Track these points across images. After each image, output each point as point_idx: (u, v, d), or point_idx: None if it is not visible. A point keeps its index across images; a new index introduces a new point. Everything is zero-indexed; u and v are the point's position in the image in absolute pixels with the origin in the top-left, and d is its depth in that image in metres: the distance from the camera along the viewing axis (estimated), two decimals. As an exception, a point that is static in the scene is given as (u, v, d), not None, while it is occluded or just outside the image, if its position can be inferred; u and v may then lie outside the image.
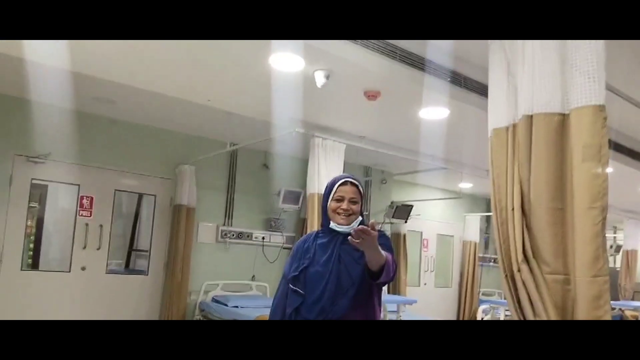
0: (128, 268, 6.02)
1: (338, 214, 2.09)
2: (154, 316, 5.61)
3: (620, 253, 9.75)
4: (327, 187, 2.16)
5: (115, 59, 3.61)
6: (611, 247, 10.21)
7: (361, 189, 2.15)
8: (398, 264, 7.33)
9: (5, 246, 4.80)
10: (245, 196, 6.26)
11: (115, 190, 5.52)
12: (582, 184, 1.85)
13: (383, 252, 1.91)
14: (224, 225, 6.08)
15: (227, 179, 6.18)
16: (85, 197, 5.29)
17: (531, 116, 2.08)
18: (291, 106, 4.38)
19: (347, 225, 2.08)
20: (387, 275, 1.94)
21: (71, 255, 5.20)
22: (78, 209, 5.25)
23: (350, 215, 2.08)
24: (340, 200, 2.09)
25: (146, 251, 5.80)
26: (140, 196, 5.95)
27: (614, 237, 10.08)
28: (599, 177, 1.81)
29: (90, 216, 5.30)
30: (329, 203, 2.12)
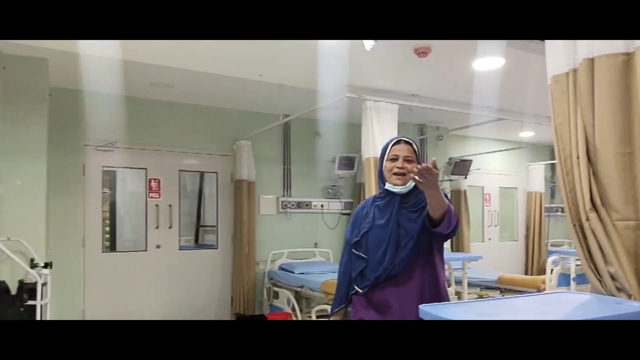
0: (197, 243, 6.33)
1: (394, 174, 2.11)
2: (226, 287, 5.91)
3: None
4: (382, 150, 2.19)
5: (167, 45, 3.72)
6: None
7: (415, 148, 2.15)
8: (460, 221, 7.25)
9: (87, 231, 5.17)
10: (302, 166, 6.36)
11: (180, 170, 5.76)
12: (652, 124, 1.77)
13: (446, 199, 1.92)
14: (283, 196, 6.23)
15: (282, 150, 6.30)
16: (153, 180, 5.57)
17: (592, 59, 1.98)
18: (340, 72, 4.37)
19: (402, 185, 2.10)
20: (449, 224, 1.94)
21: (146, 235, 5.53)
22: (147, 191, 5.54)
23: (405, 174, 2.10)
24: (394, 159, 2.11)
25: (213, 226, 6.06)
26: (202, 174, 6.19)
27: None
28: (670, 116, 1.72)
29: (159, 197, 5.59)
30: (384, 164, 2.14)
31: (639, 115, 1.83)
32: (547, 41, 2.32)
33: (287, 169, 6.31)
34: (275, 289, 5.71)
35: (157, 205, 5.59)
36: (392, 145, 2.14)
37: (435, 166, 1.76)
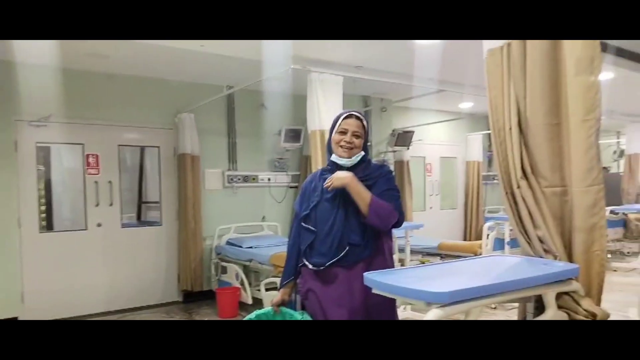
0: (140, 220, 6.19)
1: (341, 146, 2.15)
2: (173, 264, 5.83)
3: (624, 157, 9.83)
4: (332, 122, 2.22)
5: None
6: (615, 152, 10.28)
7: (365, 124, 2.19)
8: (403, 191, 7.44)
9: (22, 211, 4.93)
10: (247, 139, 6.30)
11: (119, 145, 5.57)
12: (576, 97, 1.88)
13: (369, 194, 2.06)
14: (229, 170, 6.17)
15: (227, 123, 6.20)
16: (91, 155, 5.35)
17: (525, 34, 2.07)
18: (285, 43, 4.31)
19: (348, 158, 2.14)
20: (374, 216, 2.05)
21: (85, 213, 5.34)
22: (85, 167, 5.33)
23: (352, 149, 2.15)
24: (343, 132, 2.15)
25: (156, 203, 5.93)
26: (143, 149, 6.01)
27: (618, 142, 10.13)
28: (592, 89, 1.83)
29: (98, 174, 5.39)
30: (333, 136, 2.18)
31: (565, 88, 1.94)
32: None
33: (232, 142, 6.23)
34: (223, 264, 5.70)
35: (96, 182, 5.39)
36: (343, 118, 2.17)
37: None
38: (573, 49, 1.91)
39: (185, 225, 5.68)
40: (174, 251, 5.84)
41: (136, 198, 6.30)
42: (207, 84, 5.79)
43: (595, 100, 1.82)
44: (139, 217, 6.27)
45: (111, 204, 5.47)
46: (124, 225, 5.63)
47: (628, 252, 7.56)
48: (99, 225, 5.40)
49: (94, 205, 5.37)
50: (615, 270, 6.51)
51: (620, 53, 5.08)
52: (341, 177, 2.07)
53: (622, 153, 10.11)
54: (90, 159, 5.35)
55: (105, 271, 5.41)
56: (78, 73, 5.12)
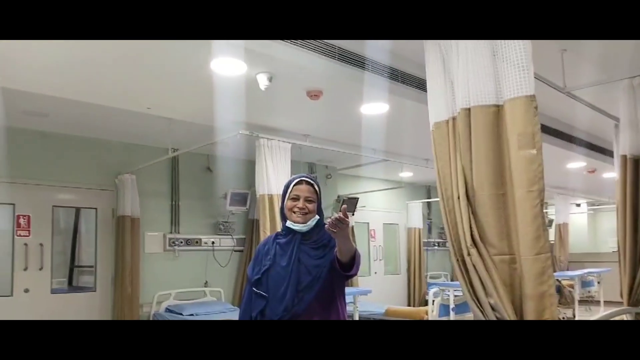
0: (71, 286, 5.79)
1: (294, 212, 2.13)
2: (105, 333, 5.43)
3: (553, 227, 10.40)
4: (284, 187, 2.21)
5: (45, 71, 3.46)
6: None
7: (317, 188, 2.20)
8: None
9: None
10: (191, 202, 6.16)
11: (53, 206, 5.29)
12: (520, 170, 2.00)
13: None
14: (170, 233, 5.97)
15: (170, 185, 6.06)
16: (21, 217, 5.04)
17: (469, 109, 2.21)
18: (234, 109, 4.37)
19: (303, 223, 2.13)
20: (357, 266, 2.00)
21: (12, 278, 4.95)
22: (15, 229, 4.99)
23: (306, 214, 2.14)
24: (296, 199, 2.14)
25: (90, 267, 5.60)
26: (78, 210, 5.74)
27: (546, 212, 10.73)
28: (534, 162, 1.96)
29: (28, 235, 5.06)
30: (285, 202, 2.17)
31: (509, 160, 2.06)
32: (428, 91, 2.55)
33: (175, 204, 6.07)
34: (161, 332, 5.37)
35: (25, 244, 5.04)
36: (294, 184, 2.17)
37: (345, 215, 1.85)
38: (514, 125, 2.05)
39: (122, 290, 5.37)
40: (108, 319, 5.46)
41: (68, 261, 5.92)
42: (151, 145, 5.70)
43: (538, 173, 1.94)
44: (70, 282, 5.87)
45: (41, 268, 5.10)
46: (54, 291, 5.24)
47: (563, 318, 7.83)
48: (26, 291, 5.00)
49: (22, 270, 4.99)
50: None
51: (545, 130, 5.53)
52: (346, 225, 1.89)
53: (550, 223, 10.72)
54: (21, 220, 5.03)
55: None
56: (13, 130, 4.86)
